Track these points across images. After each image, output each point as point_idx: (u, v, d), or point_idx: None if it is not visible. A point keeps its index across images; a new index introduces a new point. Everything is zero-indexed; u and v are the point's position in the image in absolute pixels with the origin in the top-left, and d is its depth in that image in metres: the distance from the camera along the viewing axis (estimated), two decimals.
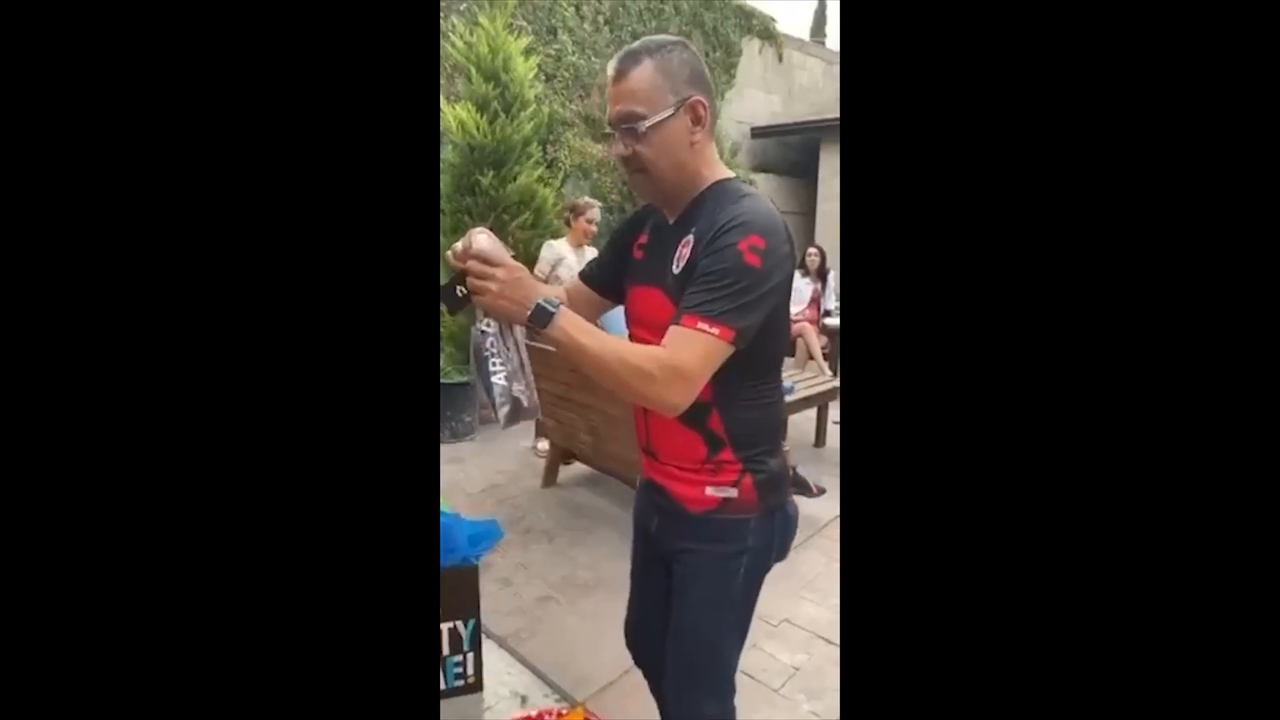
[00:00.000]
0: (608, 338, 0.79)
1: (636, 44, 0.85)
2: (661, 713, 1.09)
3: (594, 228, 3.19)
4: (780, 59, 6.97)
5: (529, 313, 0.75)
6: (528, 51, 4.11)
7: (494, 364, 0.77)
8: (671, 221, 0.92)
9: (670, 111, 0.83)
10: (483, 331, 0.77)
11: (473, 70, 3.84)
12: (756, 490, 0.92)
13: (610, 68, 0.85)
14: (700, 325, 0.77)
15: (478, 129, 3.75)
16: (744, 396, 0.90)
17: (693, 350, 0.77)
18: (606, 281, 1.04)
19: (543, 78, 4.66)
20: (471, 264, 0.75)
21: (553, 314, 0.76)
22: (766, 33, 6.70)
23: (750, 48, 6.55)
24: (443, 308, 0.75)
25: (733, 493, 0.91)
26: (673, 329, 0.79)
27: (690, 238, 0.86)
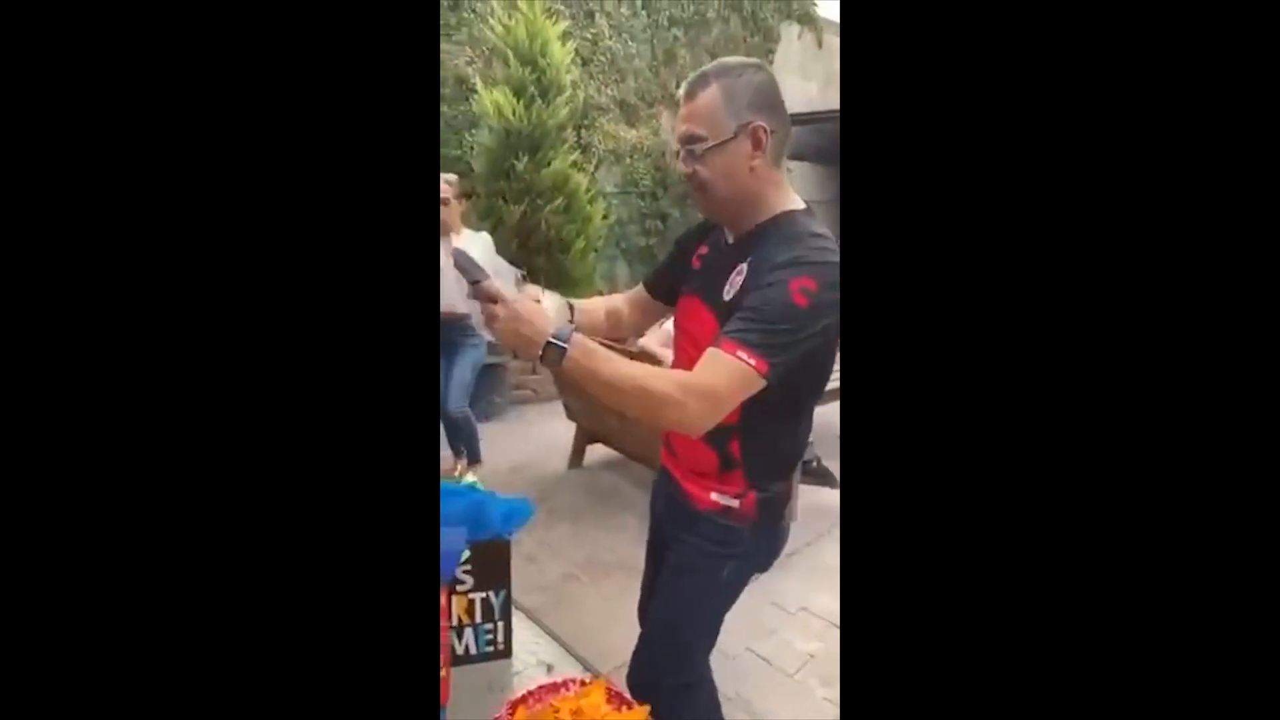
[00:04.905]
0: (625, 364, 0.79)
1: (710, 65, 0.87)
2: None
3: (443, 204, 2.37)
4: (820, 44, 6.84)
5: (540, 351, 0.77)
6: (565, 36, 4.12)
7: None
8: (731, 241, 0.93)
9: (729, 136, 0.84)
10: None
11: (510, 54, 3.86)
12: (757, 506, 0.95)
13: (682, 87, 0.88)
14: (739, 353, 0.78)
15: (514, 113, 3.78)
16: (770, 433, 0.91)
17: (725, 375, 0.78)
18: (668, 290, 1.07)
19: (579, 62, 4.66)
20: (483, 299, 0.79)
21: (564, 349, 0.77)
22: (806, 17, 6.58)
23: (789, 33, 6.45)
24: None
25: (735, 503, 0.94)
26: (710, 351, 0.80)
27: (744, 267, 0.86)
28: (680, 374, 0.81)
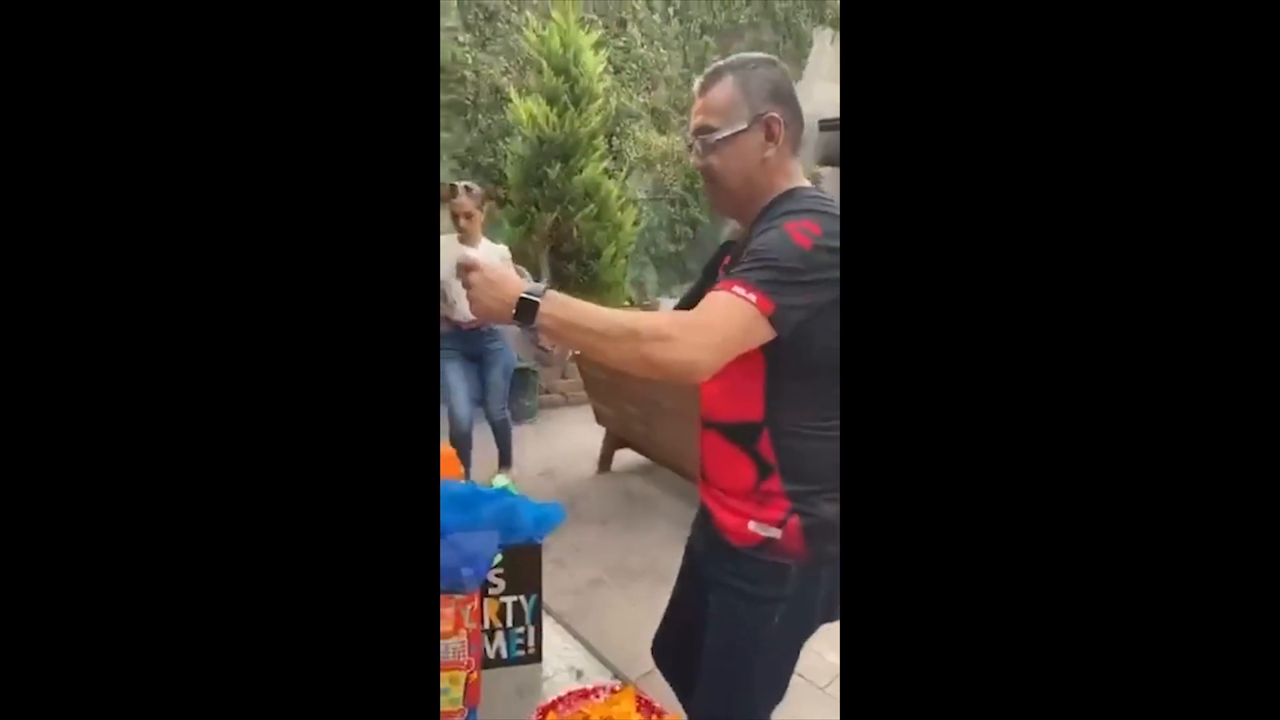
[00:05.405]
0: (611, 311, 0.75)
1: (724, 60, 0.88)
2: None
3: (466, 218, 2.33)
4: None
5: (513, 311, 0.74)
6: (598, 45, 4.16)
7: None
8: (746, 236, 0.91)
9: (743, 126, 0.85)
10: None
11: (544, 64, 3.91)
12: (804, 536, 0.84)
13: (696, 84, 0.89)
14: (736, 289, 0.73)
15: (547, 122, 3.83)
16: (799, 423, 0.85)
17: (723, 311, 0.73)
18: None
19: (611, 70, 4.70)
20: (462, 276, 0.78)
21: (536, 304, 0.73)
22: (839, 22, 6.52)
23: (822, 37, 6.40)
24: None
25: (776, 533, 0.85)
26: (708, 295, 0.76)
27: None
28: (672, 312, 0.78)
